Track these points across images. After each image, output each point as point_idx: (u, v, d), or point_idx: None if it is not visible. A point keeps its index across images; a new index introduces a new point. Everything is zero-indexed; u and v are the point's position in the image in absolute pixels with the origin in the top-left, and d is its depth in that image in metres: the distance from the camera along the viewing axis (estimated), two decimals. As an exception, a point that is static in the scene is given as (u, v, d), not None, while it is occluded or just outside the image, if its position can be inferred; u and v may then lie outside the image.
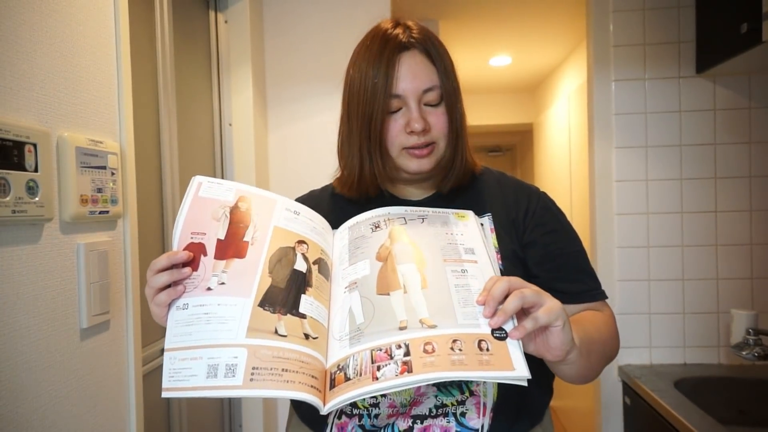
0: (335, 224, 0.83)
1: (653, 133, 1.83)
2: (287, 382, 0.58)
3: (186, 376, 0.59)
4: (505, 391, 0.76)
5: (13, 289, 0.76)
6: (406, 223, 0.75)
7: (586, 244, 2.20)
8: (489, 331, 0.58)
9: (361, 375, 0.58)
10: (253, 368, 0.58)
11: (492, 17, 2.66)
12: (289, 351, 0.60)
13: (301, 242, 0.71)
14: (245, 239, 0.68)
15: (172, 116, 1.39)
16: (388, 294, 0.65)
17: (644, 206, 1.84)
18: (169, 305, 0.66)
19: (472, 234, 0.73)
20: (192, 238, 0.67)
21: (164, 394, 0.59)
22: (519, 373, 0.55)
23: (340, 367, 0.61)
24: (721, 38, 1.63)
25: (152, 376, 1.26)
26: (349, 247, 0.75)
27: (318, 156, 1.88)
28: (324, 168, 1.98)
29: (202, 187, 0.71)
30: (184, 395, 0.58)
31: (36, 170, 0.78)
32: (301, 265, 0.69)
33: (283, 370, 0.58)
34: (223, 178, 1.75)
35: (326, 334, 0.66)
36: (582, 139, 2.78)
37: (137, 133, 1.12)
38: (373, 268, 0.69)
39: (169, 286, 0.66)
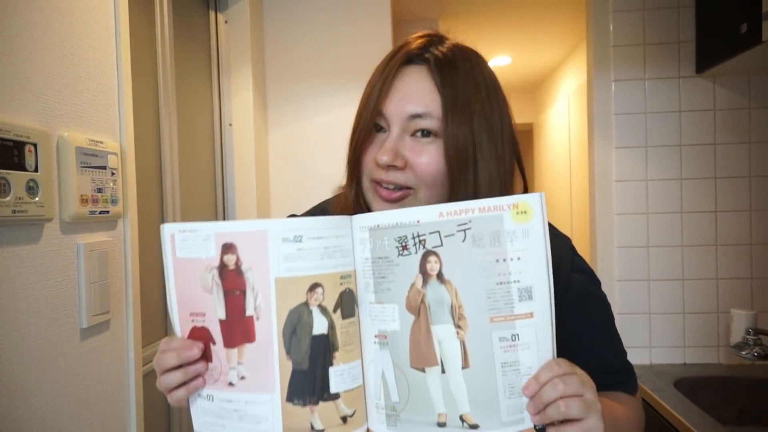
0: None
1: (653, 133, 1.83)
2: None
3: None
4: None
5: (13, 289, 0.76)
6: (441, 243, 0.57)
7: (586, 244, 2.18)
8: (531, 426, 0.57)
9: None
10: None
11: (492, 17, 2.66)
12: None
13: (314, 287, 0.59)
14: (248, 313, 0.59)
15: (172, 116, 1.39)
16: (423, 370, 0.58)
17: (644, 206, 1.84)
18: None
19: (535, 251, 0.55)
20: (193, 321, 0.62)
21: None
22: None
23: None
24: (721, 38, 1.63)
25: (152, 376, 1.26)
26: (372, 267, 0.60)
27: (318, 156, 1.88)
28: (324, 168, 1.98)
29: (177, 243, 0.61)
30: None
31: (36, 170, 0.79)
32: (320, 326, 0.59)
33: None
34: (223, 178, 1.75)
35: (362, 395, 0.62)
36: (582, 139, 2.78)
37: (137, 133, 1.12)
38: (404, 322, 0.58)
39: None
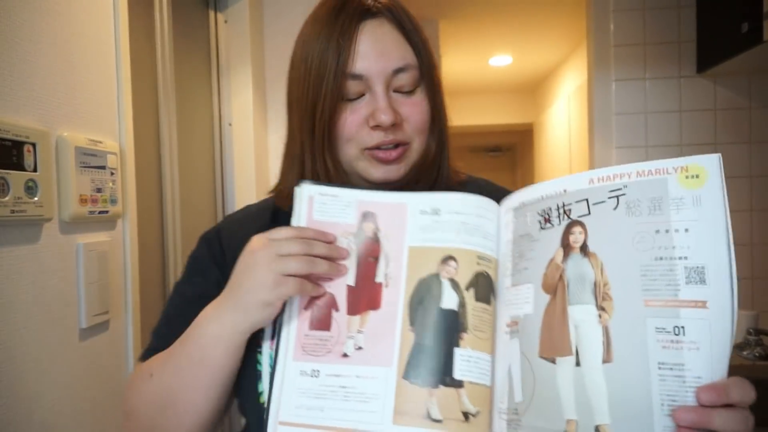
0: None
1: (653, 133, 1.83)
2: None
3: None
4: None
5: (12, 289, 0.76)
6: (589, 212, 0.49)
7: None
8: None
9: None
10: None
11: (492, 17, 2.66)
12: None
13: (447, 259, 0.56)
14: (377, 279, 0.57)
15: (172, 116, 1.39)
16: (554, 362, 0.48)
17: (644, 206, 1.84)
18: (274, 364, 0.56)
19: (710, 223, 0.44)
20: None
21: None
22: None
23: None
24: (722, 38, 1.63)
25: (152, 377, 1.26)
26: (512, 249, 0.55)
27: (318, 156, 1.88)
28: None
29: (315, 205, 0.58)
30: None
31: (35, 170, 0.78)
32: (450, 301, 0.55)
33: None
34: (223, 178, 1.75)
35: (489, 400, 0.53)
36: (582, 139, 2.77)
37: (137, 133, 1.12)
38: (538, 304, 0.51)
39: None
